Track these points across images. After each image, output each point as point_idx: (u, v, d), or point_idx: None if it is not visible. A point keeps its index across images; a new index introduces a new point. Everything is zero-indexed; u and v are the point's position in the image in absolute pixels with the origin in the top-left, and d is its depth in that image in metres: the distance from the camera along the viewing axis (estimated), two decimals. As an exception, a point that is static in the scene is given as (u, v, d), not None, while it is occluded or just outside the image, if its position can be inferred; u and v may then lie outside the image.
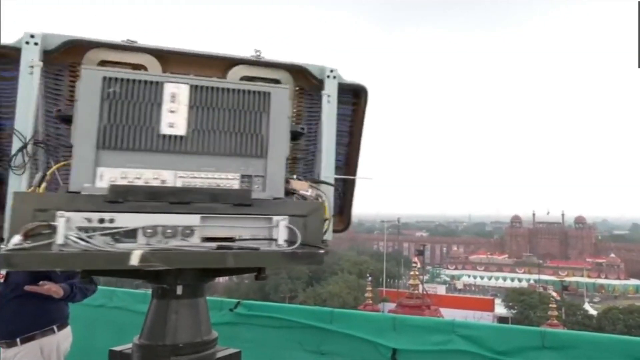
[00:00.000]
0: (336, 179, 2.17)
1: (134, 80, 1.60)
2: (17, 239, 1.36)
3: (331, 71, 2.10)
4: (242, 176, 1.66)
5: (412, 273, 32.42)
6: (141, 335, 1.72)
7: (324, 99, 2.08)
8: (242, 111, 1.67)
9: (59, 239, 1.39)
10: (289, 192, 1.79)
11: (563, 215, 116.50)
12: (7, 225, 1.44)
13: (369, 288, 32.49)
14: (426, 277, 56.23)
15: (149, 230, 1.48)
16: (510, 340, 3.24)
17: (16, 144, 1.72)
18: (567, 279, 79.71)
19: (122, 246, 1.45)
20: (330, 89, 2.09)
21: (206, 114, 1.64)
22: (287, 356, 3.89)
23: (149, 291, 1.77)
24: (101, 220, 1.47)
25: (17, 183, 1.71)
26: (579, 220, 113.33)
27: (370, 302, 30.84)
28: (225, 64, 2.02)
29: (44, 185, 1.67)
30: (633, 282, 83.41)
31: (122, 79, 1.59)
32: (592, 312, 51.98)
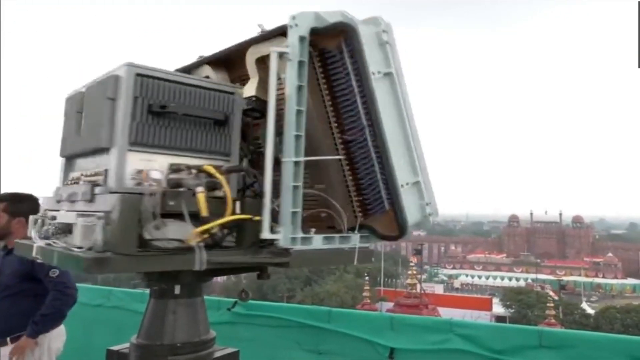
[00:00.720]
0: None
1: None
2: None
3: (294, 19, 1.64)
4: (105, 171, 1.53)
5: (409, 272, 32.44)
6: (139, 334, 1.71)
7: (273, 57, 1.65)
8: (96, 102, 1.58)
9: None
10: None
11: (561, 214, 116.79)
12: None
13: (367, 287, 32.49)
14: (424, 277, 56.23)
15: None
16: (508, 339, 3.24)
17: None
18: (565, 278, 79.88)
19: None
20: (291, 41, 1.64)
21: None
22: (285, 355, 3.89)
23: (147, 291, 1.77)
24: None
25: None
26: (577, 220, 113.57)
27: (368, 301, 30.85)
28: (243, 53, 1.89)
29: None
30: (630, 281, 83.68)
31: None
32: (590, 311, 52.08)
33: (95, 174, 1.58)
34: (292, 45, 1.63)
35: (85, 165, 1.70)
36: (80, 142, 1.68)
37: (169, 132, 1.57)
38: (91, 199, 1.51)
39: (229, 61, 2.00)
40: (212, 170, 1.56)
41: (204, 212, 1.47)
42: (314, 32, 1.68)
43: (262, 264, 1.70)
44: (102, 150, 1.54)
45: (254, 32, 1.81)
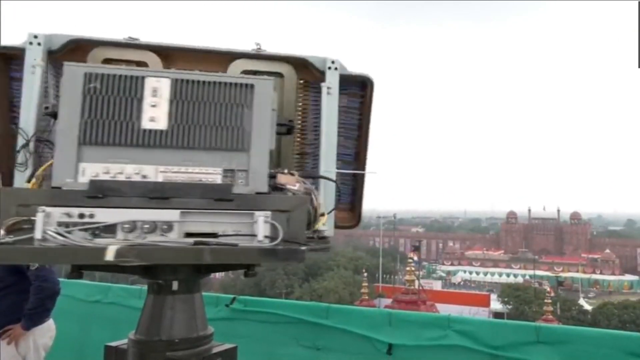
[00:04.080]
0: (345, 174, 2.19)
1: (114, 76, 1.59)
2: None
3: (332, 62, 2.06)
4: (225, 170, 1.63)
5: (408, 269, 32.52)
6: (137, 330, 1.72)
7: (324, 90, 2.05)
8: (223, 104, 1.63)
9: (37, 233, 1.41)
10: (277, 187, 1.74)
11: (559, 211, 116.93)
12: None
13: (365, 284, 32.57)
14: (422, 273, 56.36)
15: (126, 226, 1.48)
16: (506, 336, 3.25)
17: (20, 142, 1.77)
18: (563, 274, 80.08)
19: (100, 241, 1.45)
20: (331, 80, 2.05)
21: (187, 108, 1.61)
22: (283, 351, 3.90)
23: (145, 287, 1.77)
24: (81, 216, 1.48)
25: (21, 180, 1.73)
26: (574, 216, 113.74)
27: (366, 297, 30.93)
28: (226, 58, 2.01)
29: (33, 181, 1.68)
30: (628, 277, 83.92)
31: (102, 74, 1.59)
32: (587, 307, 52.31)
33: (204, 173, 1.62)
34: (333, 83, 2.05)
35: (162, 160, 1.61)
36: (158, 135, 1.60)
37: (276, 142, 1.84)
38: (227, 198, 1.57)
39: (167, 54, 2.00)
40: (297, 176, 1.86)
41: (321, 210, 1.83)
42: (342, 79, 2.10)
43: (319, 250, 1.96)
44: (221, 150, 1.63)
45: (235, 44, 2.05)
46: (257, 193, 1.62)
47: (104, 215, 1.49)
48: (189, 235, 1.52)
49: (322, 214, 1.84)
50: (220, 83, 1.65)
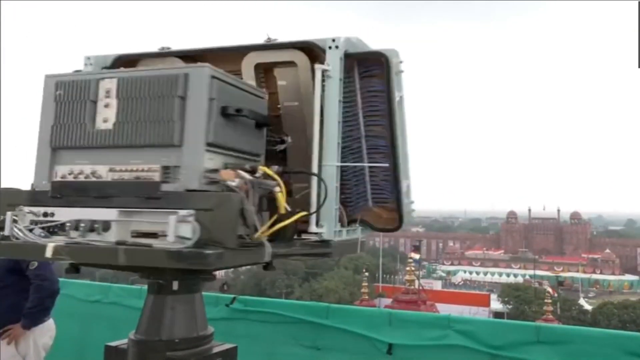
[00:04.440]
0: (382, 168, 2.02)
1: (75, 81, 1.67)
2: None
3: (333, 41, 1.88)
4: (163, 167, 1.58)
5: (408, 269, 32.53)
6: (137, 330, 1.72)
7: (318, 73, 1.87)
8: (160, 98, 1.57)
9: (6, 231, 1.57)
10: (214, 183, 1.60)
11: (559, 211, 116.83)
12: None
13: (365, 283, 32.57)
14: (422, 273, 56.37)
15: (68, 224, 1.57)
16: (506, 335, 3.25)
17: None
18: (563, 274, 79.98)
19: (47, 240, 1.55)
20: (331, 61, 1.87)
21: (128, 105, 1.63)
22: (283, 351, 3.89)
23: (145, 287, 1.77)
24: (45, 215, 1.61)
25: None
26: (575, 216, 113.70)
27: (367, 297, 30.93)
28: (239, 54, 2.01)
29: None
30: (628, 277, 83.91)
31: (66, 82, 1.68)
32: (587, 307, 52.28)
33: (145, 170, 1.58)
34: (333, 64, 1.88)
35: (113, 160, 1.64)
36: (106, 135, 1.63)
37: (232, 133, 1.66)
38: (155, 196, 1.53)
39: (201, 58, 1.97)
40: (271, 172, 1.66)
41: (283, 210, 1.63)
42: (353, 56, 1.94)
43: (313, 255, 1.93)
44: (158, 147, 1.57)
45: (251, 38, 2.01)
46: (188, 190, 1.53)
47: (60, 215, 1.60)
48: (138, 235, 1.54)
49: (298, 213, 1.70)
50: (156, 77, 1.60)
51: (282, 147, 1.97)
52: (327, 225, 1.84)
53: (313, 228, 1.81)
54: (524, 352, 3.15)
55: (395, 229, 2.07)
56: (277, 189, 1.63)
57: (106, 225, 1.53)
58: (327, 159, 1.88)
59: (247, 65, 1.98)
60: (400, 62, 1.99)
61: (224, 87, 1.63)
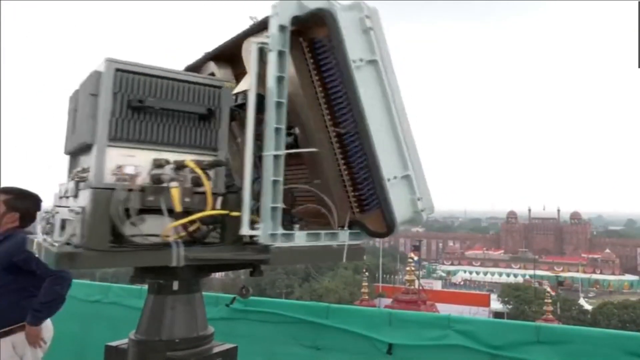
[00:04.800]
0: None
1: (76, 91, 1.79)
2: None
3: (274, 7, 1.59)
4: (83, 167, 1.62)
5: (408, 269, 32.51)
6: (137, 330, 1.72)
7: (253, 47, 1.61)
8: (92, 97, 1.52)
9: None
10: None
11: (559, 211, 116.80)
12: None
13: (365, 283, 32.57)
14: (422, 273, 56.34)
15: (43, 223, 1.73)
16: (506, 335, 3.25)
17: None
18: (563, 274, 79.98)
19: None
20: (271, 31, 1.59)
21: (77, 107, 1.71)
22: (283, 351, 3.89)
23: (145, 287, 1.77)
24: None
25: None
26: (574, 216, 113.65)
27: (367, 297, 30.91)
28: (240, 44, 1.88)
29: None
30: (628, 277, 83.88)
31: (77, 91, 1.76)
32: (587, 307, 52.24)
33: (83, 170, 1.58)
34: (272, 35, 1.58)
35: (81, 162, 1.71)
36: (74, 140, 1.70)
37: (150, 127, 1.55)
38: (76, 195, 1.55)
39: (233, 56, 1.96)
40: (192, 165, 1.53)
41: (178, 207, 1.46)
42: (300, 21, 1.62)
43: (243, 261, 1.65)
44: (88, 147, 1.54)
45: (247, 24, 1.80)
46: (92, 188, 1.45)
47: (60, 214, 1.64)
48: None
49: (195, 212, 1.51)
50: (88, 77, 1.57)
51: (289, 139, 1.71)
52: (262, 227, 1.54)
53: (244, 230, 1.54)
54: (524, 352, 3.15)
55: (385, 234, 1.67)
56: (173, 183, 1.48)
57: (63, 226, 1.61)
58: (266, 147, 1.58)
59: (246, 55, 1.81)
60: (367, 17, 1.67)
61: (134, 79, 1.53)
